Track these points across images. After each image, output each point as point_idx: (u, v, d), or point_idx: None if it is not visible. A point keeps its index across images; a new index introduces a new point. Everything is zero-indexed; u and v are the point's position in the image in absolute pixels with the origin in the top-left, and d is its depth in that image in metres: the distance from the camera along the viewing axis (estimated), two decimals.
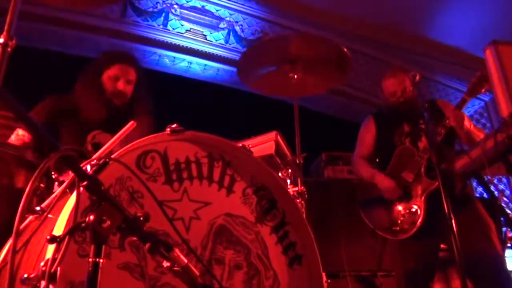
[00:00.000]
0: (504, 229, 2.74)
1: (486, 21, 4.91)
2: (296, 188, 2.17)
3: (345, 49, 2.49)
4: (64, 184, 1.35)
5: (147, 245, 0.97)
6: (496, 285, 2.36)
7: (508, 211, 5.17)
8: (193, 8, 4.96)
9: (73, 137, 2.25)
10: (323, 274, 1.63)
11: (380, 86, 2.95)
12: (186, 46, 5.01)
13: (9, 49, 1.27)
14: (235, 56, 5.12)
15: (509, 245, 3.70)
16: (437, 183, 2.26)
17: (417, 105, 2.76)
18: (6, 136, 2.08)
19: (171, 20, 4.90)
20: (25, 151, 1.85)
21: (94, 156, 1.49)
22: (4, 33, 1.28)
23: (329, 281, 1.94)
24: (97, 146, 2.20)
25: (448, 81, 5.98)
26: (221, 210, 1.52)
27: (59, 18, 4.37)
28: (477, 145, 2.34)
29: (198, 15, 5.00)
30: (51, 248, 1.10)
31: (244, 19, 5.15)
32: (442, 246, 2.69)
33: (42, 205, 1.39)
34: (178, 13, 4.90)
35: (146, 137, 1.44)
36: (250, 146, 1.67)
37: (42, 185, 1.63)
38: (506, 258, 2.74)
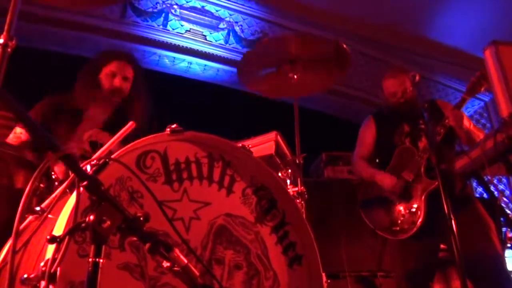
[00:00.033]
0: (504, 229, 2.73)
1: (486, 22, 4.91)
2: (296, 188, 2.17)
3: (344, 45, 2.48)
4: (64, 184, 1.35)
5: (147, 245, 0.97)
6: (496, 285, 2.36)
7: (508, 211, 5.17)
8: (193, 9, 4.96)
9: (67, 136, 2.25)
10: (323, 274, 1.63)
11: (380, 87, 2.95)
12: (186, 47, 5.01)
13: (9, 50, 1.27)
14: (235, 56, 5.13)
15: (509, 245, 3.70)
16: (436, 183, 2.26)
17: (417, 105, 2.76)
18: (6, 136, 2.08)
19: (171, 20, 4.90)
20: (24, 151, 1.85)
21: (94, 156, 1.49)
22: (4, 33, 1.28)
23: (329, 281, 1.94)
24: (94, 145, 2.20)
25: (448, 81, 5.99)
26: (221, 210, 1.52)
27: (59, 18, 4.37)
28: (477, 145, 2.34)
29: (198, 16, 5.00)
30: (51, 248, 1.10)
31: (244, 19, 5.15)
32: (442, 246, 2.69)
33: (42, 205, 1.39)
34: (178, 13, 4.90)
35: (146, 137, 1.44)
36: (250, 146, 1.67)
37: (42, 185, 1.63)
38: (506, 258, 2.74)
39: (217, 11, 5.05)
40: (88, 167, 1.21)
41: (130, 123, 1.64)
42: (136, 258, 1.31)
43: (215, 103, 5.09)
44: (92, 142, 2.22)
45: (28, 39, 4.23)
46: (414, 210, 2.56)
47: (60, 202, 1.33)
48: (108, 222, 0.91)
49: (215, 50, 5.12)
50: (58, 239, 0.94)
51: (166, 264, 0.98)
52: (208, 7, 4.99)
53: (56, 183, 1.64)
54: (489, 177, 2.52)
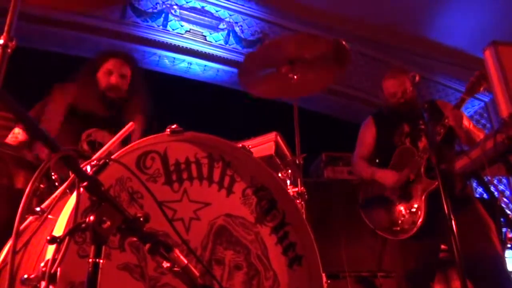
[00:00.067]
0: (504, 229, 2.73)
1: (486, 22, 4.91)
2: (296, 189, 2.17)
3: (343, 41, 2.48)
4: (64, 185, 1.35)
5: (147, 245, 0.97)
6: (496, 285, 2.36)
7: (508, 212, 5.16)
8: (192, 9, 4.96)
9: (67, 136, 2.26)
10: (323, 274, 1.63)
11: (380, 87, 2.96)
12: (186, 47, 5.02)
13: (9, 50, 1.27)
14: (235, 56, 5.13)
15: (509, 245, 3.70)
16: (436, 183, 2.26)
17: (417, 106, 2.76)
18: (5, 137, 2.08)
19: (171, 21, 4.90)
20: (24, 151, 1.85)
21: (94, 157, 1.49)
22: (4, 34, 1.28)
23: (329, 281, 1.94)
24: (92, 144, 2.21)
25: (448, 82, 5.99)
26: (221, 210, 1.52)
27: (59, 19, 4.38)
28: (477, 146, 2.34)
29: (198, 16, 5.00)
30: (51, 248, 1.10)
31: (243, 19, 5.15)
32: (442, 246, 2.69)
33: (42, 206, 1.39)
34: (177, 14, 4.91)
35: (146, 138, 1.44)
36: (250, 146, 1.67)
37: (42, 185, 1.63)
38: (506, 259, 2.74)
39: (217, 11, 5.05)
40: (88, 168, 1.21)
41: (130, 123, 1.64)
42: (136, 259, 1.31)
43: (215, 103, 5.09)
44: (90, 141, 2.22)
45: (28, 39, 4.23)
46: (414, 210, 2.56)
47: (60, 202, 1.33)
48: (108, 223, 0.91)
49: (215, 50, 5.13)
50: (58, 240, 0.94)
51: (166, 264, 0.99)
52: (208, 7, 4.99)
53: (56, 184, 1.64)
54: (489, 178, 2.52)
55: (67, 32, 4.50)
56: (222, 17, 5.08)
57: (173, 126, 1.48)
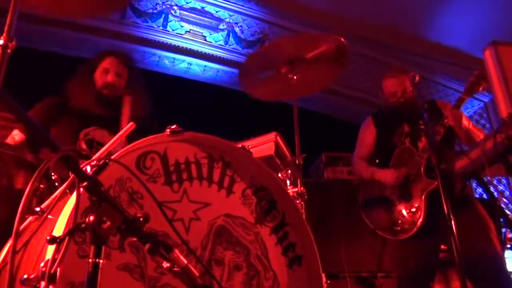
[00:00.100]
0: (503, 230, 2.74)
1: (486, 22, 4.91)
2: (296, 189, 2.17)
3: (342, 39, 2.48)
4: (64, 185, 1.35)
5: (147, 246, 0.97)
6: (496, 285, 2.36)
7: (508, 212, 5.16)
8: (192, 9, 4.96)
9: (65, 135, 2.26)
10: (323, 275, 1.63)
11: (380, 87, 2.96)
12: (186, 47, 5.02)
13: (9, 51, 1.28)
14: (235, 57, 5.13)
15: (508, 246, 3.70)
16: (436, 183, 2.26)
17: (417, 106, 2.77)
18: (5, 137, 2.08)
19: (171, 21, 4.90)
20: (24, 151, 1.86)
21: (94, 157, 1.49)
22: (4, 34, 1.28)
23: (328, 282, 1.94)
24: (91, 143, 2.21)
25: (447, 82, 5.99)
26: (220, 211, 1.52)
27: (59, 19, 4.38)
28: (476, 146, 2.35)
29: (198, 16, 5.00)
30: (51, 248, 1.10)
31: (243, 20, 5.15)
32: (442, 247, 2.69)
33: (42, 206, 1.39)
34: (177, 14, 4.91)
35: (146, 138, 1.44)
36: (249, 147, 1.67)
37: (41, 186, 1.63)
38: (506, 259, 2.74)
39: (217, 12, 5.05)
40: (88, 168, 1.21)
41: (131, 123, 1.64)
42: (136, 259, 1.31)
43: (215, 103, 5.09)
44: (88, 140, 2.22)
45: (28, 39, 4.23)
46: (414, 210, 2.56)
47: (60, 202, 1.33)
48: (108, 223, 0.91)
49: (215, 51, 5.13)
50: (58, 240, 0.94)
51: (166, 264, 0.99)
52: (208, 8, 4.99)
53: (56, 184, 1.64)
54: (488, 178, 2.52)
55: (67, 32, 4.51)
56: (222, 17, 5.08)
57: (173, 127, 1.48)
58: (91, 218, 0.90)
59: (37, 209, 1.36)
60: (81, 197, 1.00)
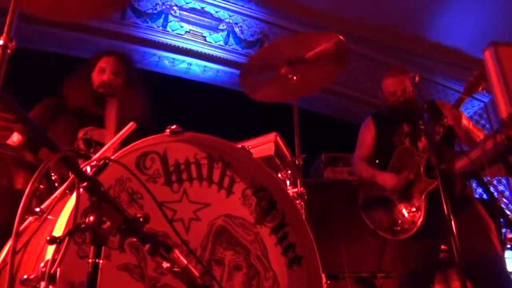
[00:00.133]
0: (503, 230, 2.74)
1: (486, 22, 4.91)
2: (296, 189, 2.17)
3: (341, 37, 2.48)
4: (64, 185, 1.35)
5: (147, 246, 0.97)
6: (496, 286, 2.36)
7: (508, 212, 5.16)
8: (192, 10, 4.96)
9: (63, 135, 2.26)
10: (323, 275, 1.63)
11: (380, 87, 2.96)
12: (186, 48, 5.02)
13: (8, 51, 1.28)
14: (235, 57, 5.13)
15: (508, 246, 3.70)
16: (436, 182, 2.26)
17: (417, 106, 2.77)
18: (5, 137, 2.08)
19: (171, 21, 4.90)
20: (24, 152, 1.85)
21: (94, 157, 1.49)
22: (4, 34, 1.28)
23: (328, 282, 1.94)
24: (89, 143, 2.21)
25: (447, 82, 5.99)
26: (220, 211, 1.52)
27: (58, 19, 4.38)
28: (476, 146, 2.35)
29: (198, 17, 5.00)
30: (50, 249, 1.10)
31: (243, 20, 5.15)
32: (442, 247, 2.69)
33: (42, 206, 1.39)
34: (177, 14, 4.91)
35: (146, 138, 1.44)
36: (249, 147, 1.67)
37: (41, 186, 1.63)
38: (506, 259, 2.74)
39: (216, 12, 5.05)
40: (88, 168, 1.21)
41: (131, 123, 1.64)
42: (135, 259, 1.31)
43: (214, 104, 5.09)
44: (86, 139, 2.22)
45: (28, 40, 4.23)
46: (414, 209, 2.56)
47: (60, 203, 1.33)
48: (108, 223, 0.91)
49: (215, 51, 5.13)
50: (58, 240, 0.94)
51: (166, 265, 0.98)
52: (208, 8, 5.00)
53: (56, 184, 1.64)
54: (488, 178, 2.52)
55: (67, 32, 4.51)
56: (222, 18, 5.09)
57: (173, 127, 1.48)
58: (91, 218, 0.90)
59: (37, 209, 1.36)
60: (81, 198, 1.00)
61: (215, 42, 5.11)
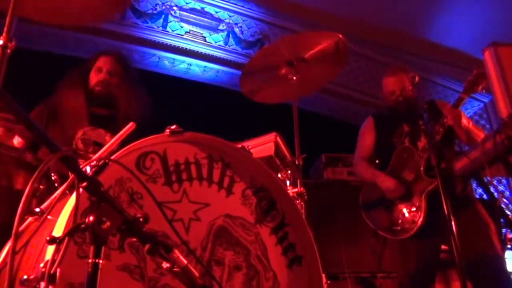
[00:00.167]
0: (504, 230, 2.74)
1: (486, 23, 4.91)
2: (296, 189, 2.17)
3: (340, 35, 2.47)
4: (64, 185, 1.35)
5: (147, 246, 0.97)
6: (496, 286, 2.36)
7: (508, 212, 5.16)
8: (192, 10, 4.96)
9: (61, 135, 2.26)
10: (323, 275, 1.63)
11: (380, 87, 2.96)
12: (186, 48, 5.02)
13: (8, 51, 1.28)
14: (235, 57, 5.13)
15: (509, 246, 3.70)
16: (436, 182, 2.26)
17: (417, 106, 2.76)
18: (5, 137, 2.08)
19: (171, 22, 4.90)
20: (24, 152, 1.85)
21: (94, 157, 1.49)
22: (4, 34, 1.28)
23: (328, 282, 1.94)
24: (87, 143, 2.21)
25: (447, 83, 5.99)
26: (220, 211, 1.52)
27: (59, 23, 4.37)
28: (476, 146, 2.34)
29: (198, 17, 5.00)
30: (50, 249, 1.10)
31: (243, 21, 5.15)
32: (443, 247, 2.69)
33: (42, 207, 1.39)
34: (177, 15, 4.91)
35: (146, 138, 1.44)
36: (249, 147, 1.67)
37: (41, 186, 1.63)
38: (506, 259, 2.74)
39: (216, 12, 5.05)
40: (88, 168, 1.21)
41: (130, 124, 1.64)
42: (135, 259, 1.31)
43: (214, 104, 5.09)
44: (85, 139, 2.22)
45: (28, 40, 4.23)
46: (414, 209, 2.56)
47: (59, 203, 1.33)
48: (108, 223, 0.91)
49: (215, 51, 5.13)
50: (57, 240, 0.94)
51: (165, 265, 0.98)
52: (208, 8, 5.00)
53: (56, 184, 1.64)
54: (488, 178, 2.52)
55: (67, 33, 4.51)
56: (222, 18, 5.08)
57: (173, 127, 1.48)
58: (91, 218, 0.90)
59: (37, 209, 1.36)
60: (80, 198, 1.00)
61: (215, 42, 5.11)
